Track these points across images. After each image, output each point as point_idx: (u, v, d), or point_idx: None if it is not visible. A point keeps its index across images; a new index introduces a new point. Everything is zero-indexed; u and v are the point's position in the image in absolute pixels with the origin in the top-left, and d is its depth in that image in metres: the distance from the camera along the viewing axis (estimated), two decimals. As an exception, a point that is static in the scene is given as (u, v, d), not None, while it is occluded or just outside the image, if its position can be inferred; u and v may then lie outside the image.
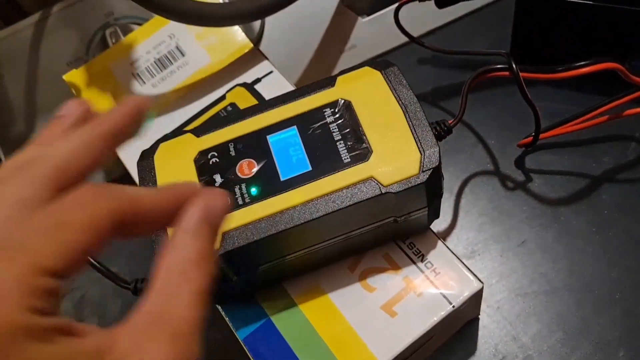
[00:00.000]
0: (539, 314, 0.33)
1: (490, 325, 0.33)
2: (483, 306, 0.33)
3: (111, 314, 0.38)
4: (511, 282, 0.34)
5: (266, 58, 0.38)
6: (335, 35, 0.44)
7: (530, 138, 0.35)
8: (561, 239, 0.35)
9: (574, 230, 0.35)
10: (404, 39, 0.42)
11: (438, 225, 0.36)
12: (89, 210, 0.16)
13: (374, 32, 0.44)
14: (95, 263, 0.32)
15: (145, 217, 0.18)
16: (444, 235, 0.36)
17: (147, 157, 0.29)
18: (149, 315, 0.16)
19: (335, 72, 0.44)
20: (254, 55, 0.38)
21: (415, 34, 0.40)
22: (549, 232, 0.35)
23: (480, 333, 0.33)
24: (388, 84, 0.28)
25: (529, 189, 0.37)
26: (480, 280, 0.29)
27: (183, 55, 0.38)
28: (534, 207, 0.36)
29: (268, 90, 0.36)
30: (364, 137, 0.27)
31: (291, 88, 0.36)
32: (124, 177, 0.37)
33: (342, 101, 0.28)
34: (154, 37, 0.39)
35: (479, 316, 0.34)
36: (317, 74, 0.44)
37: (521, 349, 0.32)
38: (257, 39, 0.43)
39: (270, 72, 0.37)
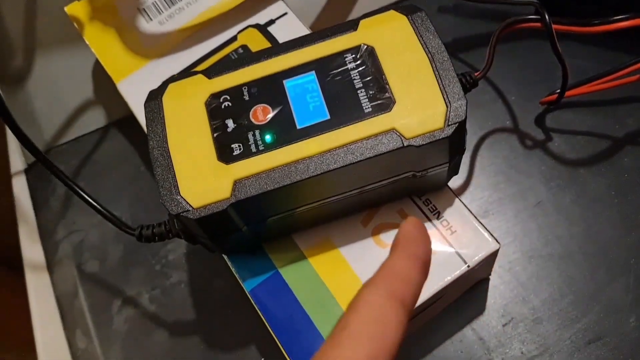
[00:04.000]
0: (551, 276, 0.33)
1: (500, 286, 0.33)
2: (495, 267, 0.33)
3: (113, 258, 0.37)
4: (525, 243, 0.33)
5: (281, -1, 0.36)
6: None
7: (554, 96, 0.34)
8: (578, 201, 0.34)
9: (592, 193, 0.34)
10: (425, -15, 0.40)
11: (452, 182, 0.35)
12: None
13: (393, -25, 0.42)
14: (99, 207, 0.30)
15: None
16: (459, 192, 0.35)
17: (154, 98, 0.27)
18: None
19: (353, 17, 0.42)
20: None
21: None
22: (566, 194, 0.34)
23: (489, 293, 0.33)
24: (414, 30, 0.26)
25: (548, 148, 0.36)
26: (497, 241, 0.28)
27: (192, -9, 0.36)
28: (552, 168, 0.35)
29: (282, 33, 0.34)
30: (387, 86, 0.25)
31: (306, 31, 0.34)
32: (128, 119, 0.35)
33: (365, 46, 0.26)
34: (161, -29, 0.37)
35: (490, 276, 0.33)
36: (334, 18, 0.42)
37: (531, 311, 0.32)
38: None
39: (285, 13, 0.35)
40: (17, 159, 0.42)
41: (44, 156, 0.32)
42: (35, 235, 0.39)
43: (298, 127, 0.25)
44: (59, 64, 0.40)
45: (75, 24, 0.36)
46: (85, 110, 0.42)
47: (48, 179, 0.41)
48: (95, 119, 0.42)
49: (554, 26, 0.29)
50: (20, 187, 0.41)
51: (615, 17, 0.28)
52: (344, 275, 0.28)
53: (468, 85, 0.28)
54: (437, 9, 0.41)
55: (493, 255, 0.28)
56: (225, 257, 0.29)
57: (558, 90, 0.34)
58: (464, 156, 0.36)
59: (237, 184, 0.24)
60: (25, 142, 0.31)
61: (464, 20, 0.41)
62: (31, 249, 0.39)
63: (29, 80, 0.41)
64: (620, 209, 0.34)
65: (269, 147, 0.25)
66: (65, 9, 0.36)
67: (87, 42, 0.36)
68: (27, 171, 0.42)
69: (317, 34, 0.28)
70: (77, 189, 0.31)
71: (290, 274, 0.28)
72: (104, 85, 0.40)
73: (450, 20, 0.41)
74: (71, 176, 0.41)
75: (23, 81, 0.40)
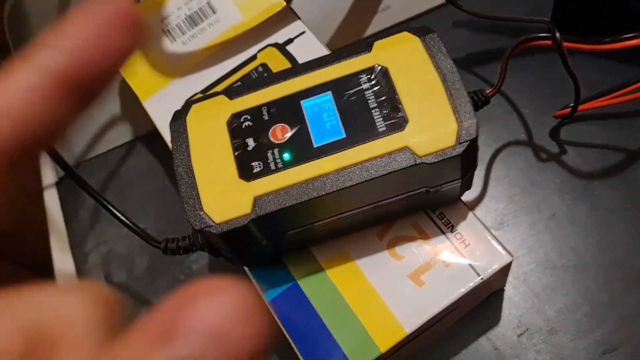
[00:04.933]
0: (566, 287, 0.33)
1: (515, 297, 0.33)
2: (509, 278, 0.33)
3: (139, 269, 0.39)
4: (539, 254, 0.34)
5: (298, 18, 0.37)
6: (369, -5, 0.43)
7: (568, 109, 0.34)
8: (593, 214, 0.35)
9: (606, 205, 0.35)
10: (439, 0, 0.41)
11: (468, 195, 0.36)
12: None
13: (409, -8, 0.43)
14: (125, 220, 0.32)
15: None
16: (474, 204, 0.36)
17: (179, 118, 0.28)
18: None
19: (368, 34, 0.43)
20: (286, 15, 0.37)
21: (451, -4, 0.39)
22: (580, 206, 0.35)
23: (504, 304, 0.33)
24: (427, 51, 0.27)
25: (563, 161, 0.36)
26: (510, 254, 0.29)
27: (214, 12, 0.37)
28: (566, 180, 0.36)
29: (300, 51, 0.36)
30: (400, 106, 0.26)
31: (323, 50, 0.35)
32: (153, 134, 0.37)
33: (379, 67, 0.28)
34: (185, -7, 0.38)
35: (504, 287, 0.33)
36: (349, 36, 0.43)
37: (545, 322, 0.32)
38: (288, -3, 0.42)
39: (303, 32, 0.36)
40: (48, 173, 0.44)
41: (73, 171, 0.33)
42: (65, 246, 0.41)
43: (315, 145, 0.26)
44: (87, 82, 0.42)
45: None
46: (112, 126, 0.44)
47: (78, 192, 0.43)
48: (122, 134, 0.44)
49: (564, 44, 0.30)
50: (51, 200, 0.43)
51: (625, 36, 0.29)
52: (360, 286, 0.29)
53: (480, 102, 0.29)
54: (452, 24, 0.42)
55: (506, 268, 0.29)
56: (246, 268, 0.30)
57: (571, 104, 0.34)
58: (479, 168, 0.37)
59: (257, 200, 0.26)
60: (55, 157, 0.33)
61: (478, 35, 0.41)
62: (62, 260, 0.41)
63: (60, 98, 0.42)
64: (634, 221, 0.34)
65: (287, 165, 0.26)
66: (94, 30, 0.38)
67: (115, 62, 0.37)
68: (58, 184, 0.44)
69: (333, 55, 0.29)
70: (105, 202, 0.33)
71: (308, 285, 0.29)
72: (129, 102, 0.41)
73: (465, 34, 0.42)
74: (99, 189, 0.42)
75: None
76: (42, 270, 0.42)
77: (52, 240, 0.42)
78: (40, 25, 0.43)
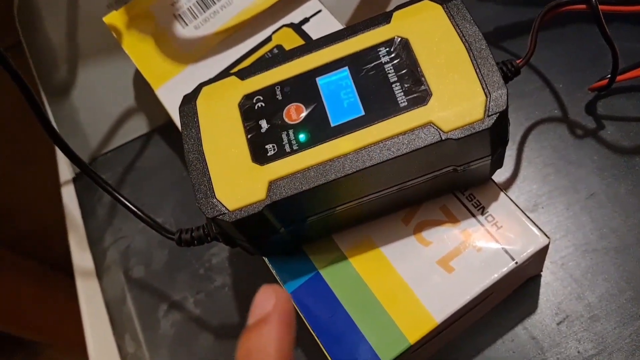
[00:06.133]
0: (608, 271, 0.31)
1: (553, 283, 0.31)
2: (546, 262, 0.31)
3: (158, 263, 0.38)
4: (578, 237, 0.32)
5: (315, -4, 0.35)
6: (388, -28, 0.41)
7: (605, 81, 0.32)
8: (635, 192, 0.32)
9: (650, 182, 0.32)
10: (463, -27, 0.38)
11: (499, 176, 0.34)
12: None
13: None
14: (139, 213, 0.31)
15: None
16: (505, 186, 0.34)
17: (189, 102, 0.27)
18: None
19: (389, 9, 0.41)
20: (301, -6, 0.35)
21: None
22: (621, 184, 0.32)
23: (542, 290, 0.31)
24: (450, 20, 0.25)
25: (601, 136, 0.34)
26: (546, 236, 0.26)
27: (226, -6, 0.36)
28: (605, 157, 0.33)
29: (316, 31, 0.34)
30: (423, 79, 0.24)
31: (341, 27, 0.34)
32: (169, 125, 0.35)
33: (399, 39, 0.26)
34: (195, -24, 0.37)
35: (541, 273, 0.31)
36: (370, 14, 0.41)
37: (586, 309, 0.30)
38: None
39: (319, 11, 0.35)
40: (65, 169, 0.43)
41: (87, 167, 0.32)
42: (84, 243, 0.40)
43: (332, 124, 0.25)
44: (100, 74, 0.41)
45: (113, 34, 0.37)
46: (128, 118, 0.43)
47: (94, 187, 0.42)
48: (138, 127, 0.43)
49: (600, 7, 0.28)
50: (69, 196, 0.42)
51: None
52: (386, 275, 0.27)
53: (509, 73, 0.27)
54: (477, -3, 0.40)
55: (543, 251, 0.27)
56: (265, 259, 0.29)
57: (608, 76, 0.32)
58: (510, 148, 0.35)
59: (272, 184, 0.24)
60: (69, 154, 0.32)
61: (506, 8, 0.39)
62: (81, 256, 0.40)
63: (73, 92, 0.42)
64: (681, 198, 0.32)
65: (303, 147, 0.25)
66: (104, 19, 0.37)
67: (126, 51, 0.36)
68: (75, 180, 0.43)
69: (349, 29, 0.27)
70: (119, 197, 0.32)
71: (331, 275, 0.28)
72: (145, 93, 0.40)
73: (492, 8, 0.39)
74: (116, 184, 0.41)
75: (67, 93, 0.41)
76: (68, 267, 0.42)
77: (70, 237, 0.41)
78: (51, 19, 0.42)
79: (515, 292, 0.31)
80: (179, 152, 0.42)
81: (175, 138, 0.42)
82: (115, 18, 0.37)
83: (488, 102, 0.23)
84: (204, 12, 0.36)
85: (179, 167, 0.41)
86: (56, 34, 0.41)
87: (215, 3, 0.36)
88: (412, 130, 0.24)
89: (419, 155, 0.24)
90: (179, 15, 0.36)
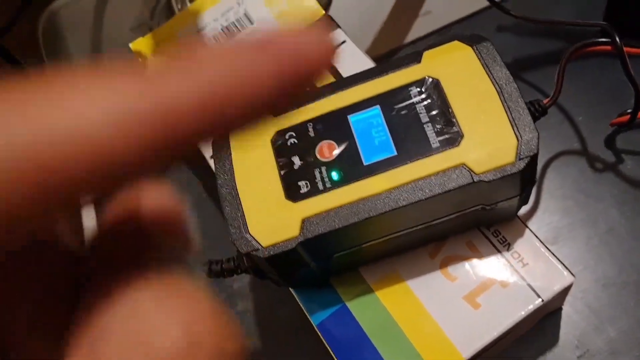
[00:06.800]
0: (628, 306, 0.31)
1: (573, 317, 0.32)
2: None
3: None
4: (597, 271, 0.32)
5: (338, 26, 0.36)
6: (408, 0, 0.41)
7: (627, 117, 0.32)
8: (654, 227, 0.33)
9: (669, 217, 0.33)
10: (483, 3, 0.39)
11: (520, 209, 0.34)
12: None
13: (450, -4, 0.41)
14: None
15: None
16: (526, 217, 0.34)
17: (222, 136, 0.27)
18: None
19: (409, 40, 0.42)
20: (325, 23, 0.36)
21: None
22: (641, 219, 0.33)
23: (562, 323, 0.32)
24: (480, 61, 0.26)
25: (620, 171, 0.34)
26: (571, 273, 0.27)
27: (251, 22, 0.36)
28: (625, 191, 0.34)
29: (341, 60, 0.34)
30: (454, 120, 0.25)
31: (366, 58, 0.34)
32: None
33: (430, 79, 0.26)
34: (221, 4, 0.37)
35: (562, 306, 0.32)
36: (390, 42, 0.42)
37: (607, 343, 0.31)
38: (325, 5, 0.41)
39: (344, 41, 0.35)
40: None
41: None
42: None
43: (365, 163, 0.25)
44: (124, 97, 0.41)
45: (139, 59, 0.37)
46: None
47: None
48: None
49: (625, 49, 0.28)
50: (88, 219, 0.43)
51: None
52: (412, 308, 0.28)
53: (537, 113, 0.27)
54: (496, 28, 0.41)
55: (567, 288, 0.27)
56: (292, 290, 0.29)
57: (629, 110, 0.32)
58: (530, 180, 0.35)
59: (305, 222, 0.24)
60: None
61: (525, 39, 0.40)
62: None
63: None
64: (700, 234, 0.32)
65: (336, 185, 0.25)
66: (130, 45, 0.37)
67: (152, 77, 0.36)
68: (95, 202, 0.43)
69: (380, 68, 0.27)
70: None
71: (357, 307, 0.28)
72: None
73: (510, 39, 0.40)
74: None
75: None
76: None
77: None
78: (74, 39, 0.42)
79: (537, 325, 0.31)
80: (197, 173, 0.42)
81: (193, 159, 0.42)
82: (141, 44, 0.37)
83: (519, 146, 0.24)
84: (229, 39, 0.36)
85: (198, 190, 0.41)
86: (80, 57, 0.41)
87: (240, 31, 0.36)
88: (444, 171, 0.24)
89: (451, 196, 0.24)
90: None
